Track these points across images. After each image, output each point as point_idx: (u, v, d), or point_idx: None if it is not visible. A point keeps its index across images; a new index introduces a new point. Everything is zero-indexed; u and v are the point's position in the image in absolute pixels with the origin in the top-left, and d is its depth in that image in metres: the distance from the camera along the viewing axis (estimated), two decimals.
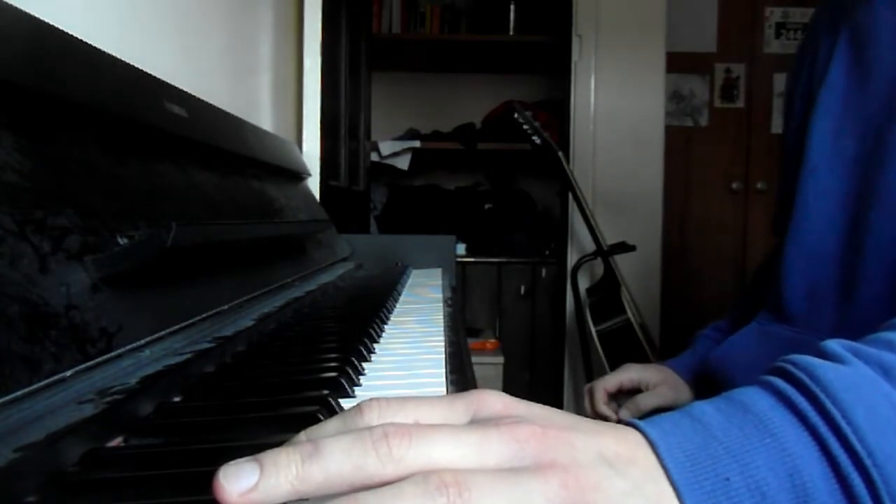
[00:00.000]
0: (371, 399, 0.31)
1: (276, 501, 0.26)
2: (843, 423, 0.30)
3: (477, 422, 0.31)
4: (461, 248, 2.86)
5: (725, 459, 0.30)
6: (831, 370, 0.32)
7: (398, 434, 0.28)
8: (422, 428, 0.29)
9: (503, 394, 0.32)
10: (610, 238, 2.22)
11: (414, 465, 0.27)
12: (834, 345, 0.35)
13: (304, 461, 0.27)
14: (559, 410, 0.33)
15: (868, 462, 0.30)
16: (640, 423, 0.33)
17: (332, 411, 0.41)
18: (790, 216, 0.79)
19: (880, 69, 0.70)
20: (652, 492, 0.30)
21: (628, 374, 0.98)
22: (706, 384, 0.90)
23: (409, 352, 0.59)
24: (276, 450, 0.28)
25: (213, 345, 0.51)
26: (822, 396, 0.31)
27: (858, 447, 0.30)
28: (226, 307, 0.63)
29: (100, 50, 0.61)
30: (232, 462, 0.27)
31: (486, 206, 3.07)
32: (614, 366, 1.32)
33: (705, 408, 0.33)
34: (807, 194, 0.76)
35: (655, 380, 0.96)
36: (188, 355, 0.47)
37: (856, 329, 0.40)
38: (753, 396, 0.33)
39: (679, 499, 0.30)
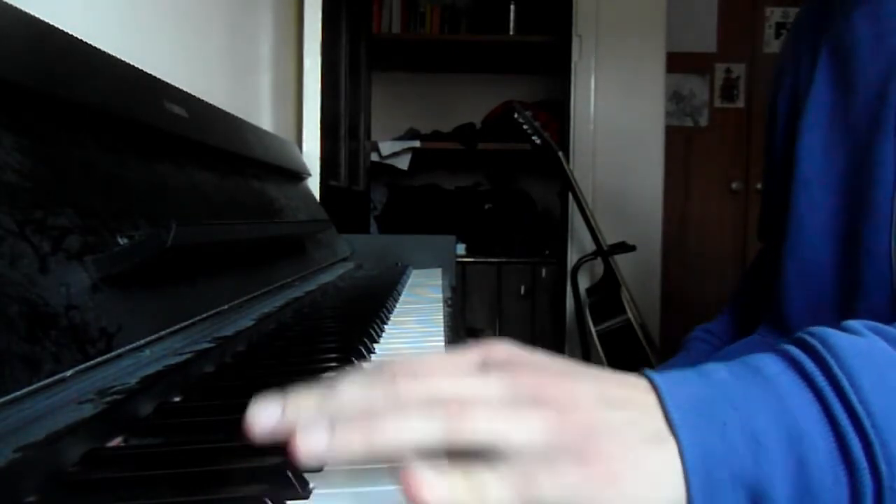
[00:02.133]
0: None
1: (300, 424, 0.29)
2: (846, 385, 0.31)
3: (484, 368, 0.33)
4: (461, 248, 2.85)
5: (725, 407, 0.31)
6: (845, 339, 0.33)
7: (404, 374, 0.31)
8: (427, 368, 0.32)
9: (511, 345, 0.34)
10: (610, 238, 2.22)
11: (419, 399, 0.30)
12: (854, 322, 0.35)
13: (324, 396, 0.31)
14: (566, 361, 0.34)
15: (867, 423, 0.30)
16: (648, 371, 0.34)
17: None
18: (781, 226, 0.79)
19: (864, 83, 0.70)
20: (648, 426, 0.31)
21: None
22: None
23: (409, 352, 0.59)
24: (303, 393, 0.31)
25: (213, 345, 0.51)
26: (831, 361, 0.32)
27: (859, 409, 0.30)
28: (226, 307, 0.63)
29: (100, 50, 0.61)
30: (261, 401, 0.31)
31: (486, 206, 3.07)
32: (614, 366, 1.32)
33: (717, 366, 0.33)
34: (800, 208, 0.76)
35: None
36: (188, 355, 0.47)
37: None
38: (766, 361, 0.33)
39: (674, 435, 0.30)
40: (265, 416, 0.30)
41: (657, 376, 0.33)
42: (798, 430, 0.30)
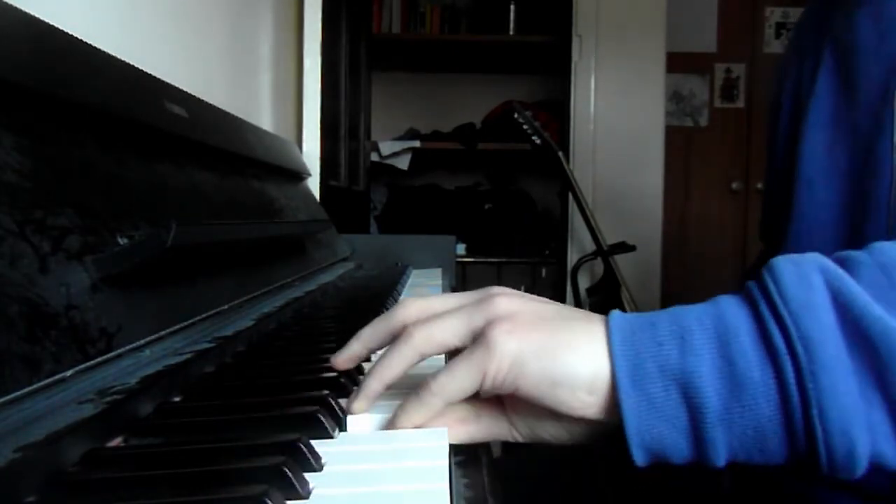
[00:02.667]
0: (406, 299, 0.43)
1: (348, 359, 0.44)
2: (769, 283, 0.34)
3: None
4: (461, 248, 2.85)
5: (662, 317, 0.35)
6: (782, 258, 0.35)
7: (418, 329, 0.39)
8: (428, 321, 0.39)
9: (512, 295, 0.39)
10: (610, 238, 2.22)
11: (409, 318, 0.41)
12: (809, 255, 0.37)
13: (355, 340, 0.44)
14: (561, 308, 0.38)
15: (784, 311, 0.32)
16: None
17: (332, 411, 0.41)
18: (783, 226, 0.79)
19: (866, 82, 0.70)
20: (580, 315, 0.37)
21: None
22: None
23: None
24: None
25: (213, 345, 0.51)
26: (765, 272, 0.35)
27: (778, 300, 0.33)
28: (226, 307, 0.63)
29: (100, 50, 0.61)
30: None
31: (486, 206, 3.07)
32: None
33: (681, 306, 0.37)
34: (802, 207, 0.76)
35: None
36: (188, 355, 0.47)
37: None
38: (726, 296, 0.36)
39: (606, 326, 0.35)
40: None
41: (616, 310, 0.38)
42: (725, 329, 0.33)
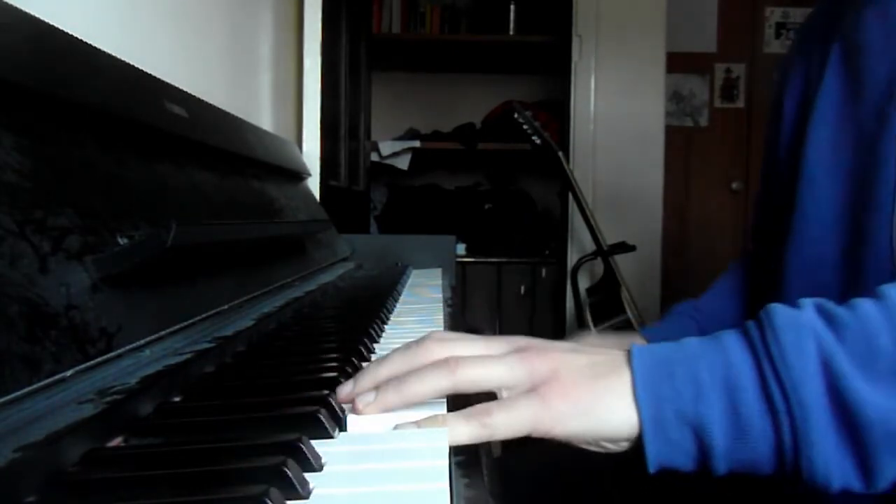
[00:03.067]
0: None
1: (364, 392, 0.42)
2: (774, 349, 0.39)
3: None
4: (461, 248, 2.85)
5: (680, 362, 0.40)
6: (785, 312, 0.40)
7: (433, 338, 0.44)
8: (448, 336, 0.44)
9: (545, 350, 0.43)
10: (610, 238, 2.22)
11: (438, 356, 0.42)
12: (806, 300, 0.42)
13: (377, 365, 0.44)
14: (590, 358, 0.42)
15: (785, 377, 0.38)
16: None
17: (332, 411, 0.41)
18: (784, 224, 0.79)
19: (873, 80, 0.70)
20: (611, 367, 0.41)
21: None
22: None
23: None
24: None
25: (213, 345, 0.51)
26: (768, 330, 0.40)
27: (780, 366, 0.38)
28: (226, 307, 0.63)
29: (100, 50, 0.61)
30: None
31: (486, 206, 3.07)
32: None
33: (692, 338, 0.42)
34: (805, 205, 0.76)
35: None
36: (188, 355, 0.47)
37: None
38: (728, 331, 0.42)
39: (632, 379, 0.40)
40: (343, 392, 0.43)
41: (636, 345, 0.42)
42: (734, 380, 0.39)
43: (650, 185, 2.60)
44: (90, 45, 0.59)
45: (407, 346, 0.44)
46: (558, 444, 0.42)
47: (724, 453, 0.39)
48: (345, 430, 0.41)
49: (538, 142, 2.13)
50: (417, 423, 0.40)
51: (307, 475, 0.32)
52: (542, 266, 2.81)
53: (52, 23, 0.53)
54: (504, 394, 0.41)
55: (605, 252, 2.19)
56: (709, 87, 3.28)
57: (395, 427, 0.40)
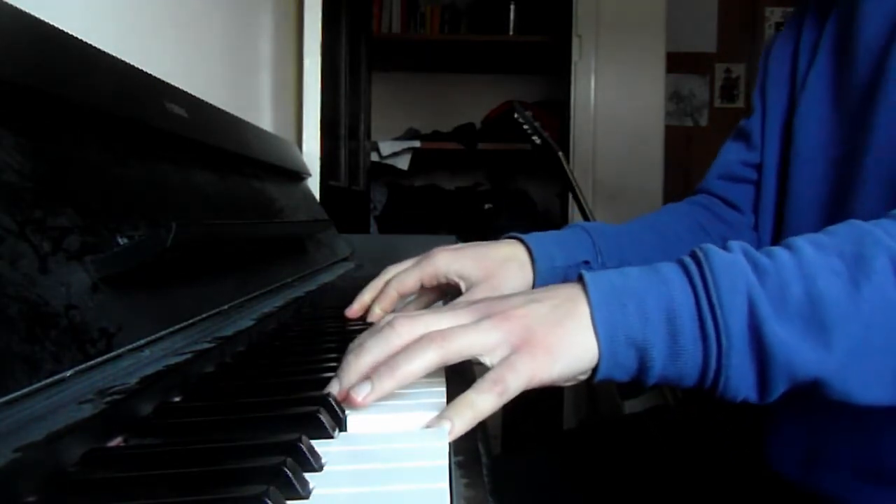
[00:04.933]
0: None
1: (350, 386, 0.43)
2: (710, 283, 0.45)
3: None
4: None
5: (629, 295, 0.46)
6: (719, 253, 0.46)
7: (400, 320, 0.46)
8: (414, 314, 0.47)
9: (511, 305, 0.47)
10: None
11: (414, 335, 0.45)
12: (734, 242, 0.48)
13: (356, 357, 0.45)
14: (552, 299, 0.47)
15: (718, 310, 0.44)
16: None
17: (332, 411, 0.41)
18: (777, 203, 0.80)
19: (864, 58, 0.71)
20: (570, 306, 0.46)
21: (429, 268, 0.66)
22: None
23: None
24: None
25: (213, 345, 0.51)
26: (705, 266, 0.45)
27: (714, 299, 0.44)
28: (226, 307, 0.63)
29: (100, 50, 0.61)
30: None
31: (486, 206, 3.07)
32: None
33: (632, 268, 0.48)
34: (801, 182, 0.77)
35: (473, 271, 0.66)
36: (188, 355, 0.47)
37: None
38: (666, 264, 0.48)
39: (591, 311, 0.45)
40: (334, 391, 0.44)
41: (587, 272, 0.48)
42: (674, 309, 0.45)
43: (650, 185, 2.60)
44: (90, 45, 0.59)
45: (377, 332, 0.46)
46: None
47: (658, 370, 0.45)
48: (345, 430, 0.41)
49: (538, 142, 2.13)
50: (441, 415, 0.41)
51: (307, 475, 0.32)
52: None
53: (52, 23, 0.53)
54: (486, 359, 0.45)
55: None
56: (709, 87, 3.28)
57: (427, 425, 0.41)
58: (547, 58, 2.92)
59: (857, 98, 0.71)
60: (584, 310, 0.46)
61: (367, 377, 0.43)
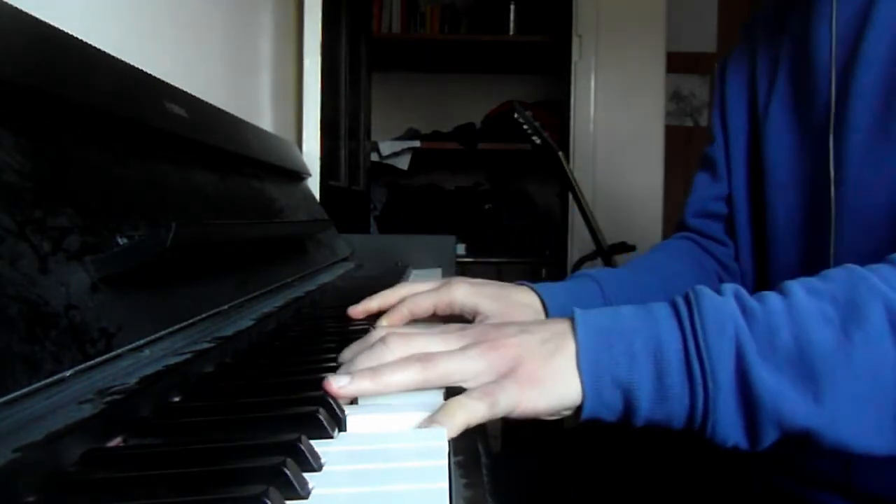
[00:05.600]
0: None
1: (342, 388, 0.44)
2: (699, 328, 0.45)
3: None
4: (461, 248, 2.86)
5: (618, 334, 0.46)
6: (710, 297, 0.46)
7: (393, 337, 0.48)
8: (407, 333, 0.49)
9: (503, 337, 0.47)
10: (610, 238, 2.22)
11: (404, 353, 0.46)
12: (727, 285, 0.48)
13: (348, 366, 0.47)
14: (542, 333, 0.47)
15: (705, 354, 0.44)
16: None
17: (331, 411, 0.41)
18: (755, 227, 0.80)
19: (822, 85, 0.70)
20: (559, 342, 0.46)
21: (446, 296, 0.65)
22: None
23: None
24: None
25: (213, 345, 0.51)
26: (695, 310, 0.45)
27: (702, 344, 0.44)
28: (226, 307, 0.63)
29: (100, 50, 0.61)
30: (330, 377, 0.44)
31: (486, 206, 3.07)
32: None
33: (627, 307, 0.48)
34: (776, 209, 0.77)
35: (490, 310, 0.64)
36: (188, 355, 0.47)
37: None
38: (659, 304, 0.48)
39: (577, 350, 0.46)
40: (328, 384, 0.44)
41: (578, 311, 0.48)
42: (662, 354, 0.45)
43: (650, 185, 2.60)
44: (90, 46, 0.59)
45: (369, 347, 0.48)
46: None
47: (645, 412, 0.45)
48: (344, 430, 0.41)
49: (538, 142, 2.13)
50: (430, 418, 0.41)
51: (306, 475, 0.32)
52: (542, 266, 2.80)
53: (52, 23, 0.53)
54: (470, 385, 0.45)
55: (604, 252, 2.19)
56: (709, 87, 3.28)
57: (419, 425, 0.42)
58: (547, 58, 2.92)
59: (820, 125, 0.71)
60: (571, 348, 0.46)
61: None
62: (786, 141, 0.76)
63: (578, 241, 2.56)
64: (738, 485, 0.80)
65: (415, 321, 0.65)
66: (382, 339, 0.47)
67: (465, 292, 0.64)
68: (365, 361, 0.46)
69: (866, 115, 0.64)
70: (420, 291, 0.65)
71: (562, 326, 0.48)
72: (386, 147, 2.92)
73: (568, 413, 0.47)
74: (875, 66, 0.64)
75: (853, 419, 0.43)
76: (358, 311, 0.68)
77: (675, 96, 3.24)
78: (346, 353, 0.50)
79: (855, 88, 0.65)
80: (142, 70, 0.69)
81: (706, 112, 3.29)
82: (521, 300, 0.68)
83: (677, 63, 2.98)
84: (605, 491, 0.81)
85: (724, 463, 0.82)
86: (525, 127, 2.13)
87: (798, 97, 0.75)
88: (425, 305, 0.64)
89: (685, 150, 3.23)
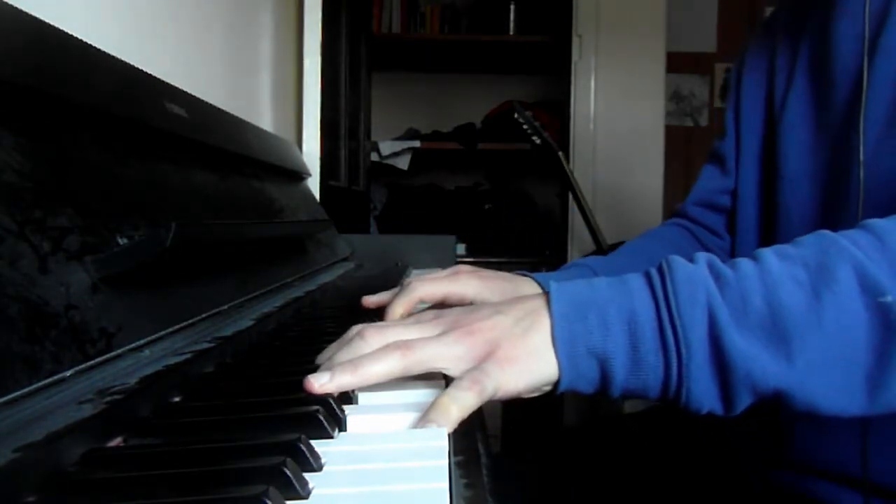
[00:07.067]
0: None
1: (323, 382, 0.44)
2: (671, 295, 0.45)
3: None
4: (461, 248, 2.85)
5: (591, 306, 0.46)
6: (683, 265, 0.47)
7: (369, 330, 0.48)
8: (382, 325, 0.49)
9: (480, 319, 0.48)
10: (610, 238, 2.22)
11: (381, 344, 0.46)
12: (700, 254, 0.49)
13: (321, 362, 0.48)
14: (516, 313, 0.48)
15: (678, 322, 0.44)
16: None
17: (331, 411, 0.41)
18: (766, 223, 0.80)
19: (842, 79, 0.71)
20: (533, 318, 0.47)
21: (458, 287, 0.66)
22: None
23: None
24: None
25: (213, 345, 0.51)
26: (668, 278, 0.46)
27: (675, 311, 0.45)
28: (226, 307, 0.63)
29: (100, 50, 0.61)
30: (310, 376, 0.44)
31: (486, 206, 3.07)
32: None
33: (601, 279, 0.49)
34: (788, 204, 0.77)
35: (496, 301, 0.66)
36: (188, 355, 0.47)
37: None
38: (633, 275, 0.48)
39: (552, 324, 0.46)
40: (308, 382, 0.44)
41: (553, 283, 0.48)
42: (636, 323, 0.45)
43: (650, 185, 2.60)
44: (90, 46, 0.59)
45: (346, 343, 0.48)
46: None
47: (621, 381, 0.46)
48: (344, 430, 0.41)
49: (538, 142, 2.13)
50: (424, 417, 0.41)
51: (307, 475, 0.32)
52: (542, 266, 2.80)
53: (52, 23, 0.53)
54: (451, 371, 0.45)
55: (605, 252, 2.18)
56: (709, 87, 3.28)
57: (414, 424, 0.42)
58: (547, 58, 2.92)
59: (839, 120, 0.71)
60: (546, 323, 0.46)
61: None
62: (802, 135, 0.76)
63: (578, 241, 2.56)
64: (737, 485, 0.80)
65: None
66: (359, 334, 0.48)
67: (476, 287, 0.65)
68: (343, 356, 0.46)
69: (886, 105, 0.65)
70: (432, 279, 0.65)
71: (536, 303, 0.48)
72: (386, 147, 2.92)
73: (548, 388, 0.48)
74: (894, 57, 0.64)
75: (824, 379, 0.43)
76: (372, 300, 0.69)
77: (675, 96, 3.24)
78: (325, 353, 0.50)
79: (874, 80, 0.66)
80: (142, 70, 0.69)
81: (706, 112, 3.29)
82: (529, 293, 0.68)
83: (677, 63, 2.98)
84: (605, 491, 0.81)
85: (724, 463, 0.82)
86: (525, 127, 2.12)
87: (817, 91, 0.75)
88: (437, 296, 0.64)
89: (685, 150, 3.23)
